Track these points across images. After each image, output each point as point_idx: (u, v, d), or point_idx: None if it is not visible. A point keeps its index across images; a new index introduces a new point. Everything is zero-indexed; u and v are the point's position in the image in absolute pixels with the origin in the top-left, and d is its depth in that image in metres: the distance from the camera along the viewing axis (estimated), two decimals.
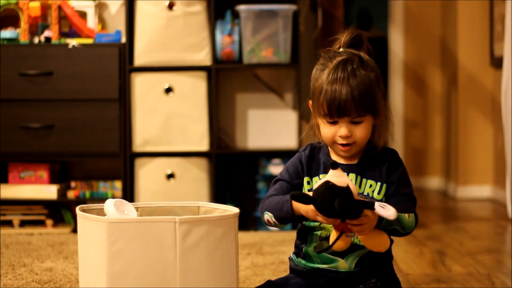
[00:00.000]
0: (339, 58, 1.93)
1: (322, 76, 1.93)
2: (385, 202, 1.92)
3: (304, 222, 1.98)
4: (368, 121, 1.92)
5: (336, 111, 1.89)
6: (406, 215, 1.91)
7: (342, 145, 1.93)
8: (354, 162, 1.98)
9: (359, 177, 1.96)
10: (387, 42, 6.29)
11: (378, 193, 1.96)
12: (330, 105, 1.89)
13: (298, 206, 1.87)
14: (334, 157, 2.00)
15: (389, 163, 1.98)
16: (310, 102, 2.00)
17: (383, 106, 1.95)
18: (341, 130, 1.91)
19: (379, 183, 1.96)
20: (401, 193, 1.96)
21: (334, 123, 1.92)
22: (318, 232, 1.97)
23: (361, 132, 1.92)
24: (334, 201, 1.75)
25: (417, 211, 1.98)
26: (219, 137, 4.04)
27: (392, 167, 1.97)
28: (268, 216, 1.95)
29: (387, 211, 1.76)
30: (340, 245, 1.86)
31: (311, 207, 1.81)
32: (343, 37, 1.98)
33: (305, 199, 1.78)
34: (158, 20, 3.84)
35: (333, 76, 1.90)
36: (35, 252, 3.23)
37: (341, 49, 1.97)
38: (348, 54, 1.94)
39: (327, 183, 1.77)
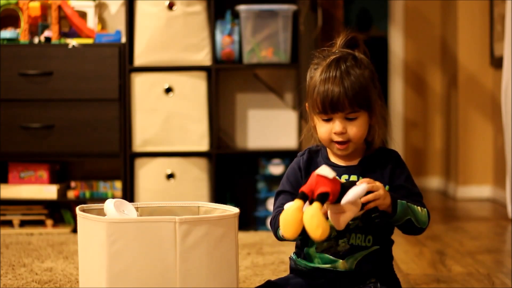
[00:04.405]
0: (332, 57, 1.95)
1: (316, 74, 1.94)
2: None
3: None
4: (363, 118, 1.93)
5: (329, 106, 1.89)
6: (419, 207, 1.92)
7: (338, 142, 1.93)
8: (354, 163, 1.98)
9: (360, 179, 1.96)
10: (387, 42, 6.29)
11: None
12: (323, 101, 1.89)
13: None
14: (333, 158, 1.99)
15: (393, 166, 1.98)
16: (306, 103, 2.00)
17: (378, 105, 1.96)
18: (335, 126, 1.91)
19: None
20: (414, 192, 1.97)
21: (329, 120, 1.92)
22: None
23: (355, 129, 1.92)
24: None
25: None
26: (219, 137, 4.04)
27: (397, 170, 1.98)
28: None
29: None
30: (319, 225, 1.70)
31: None
32: (339, 40, 1.99)
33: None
34: (158, 20, 3.84)
35: (326, 73, 1.91)
36: (35, 252, 3.23)
37: (335, 50, 1.99)
38: (342, 53, 1.96)
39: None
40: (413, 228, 1.93)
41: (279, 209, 1.97)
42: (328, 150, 2.01)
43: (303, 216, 1.71)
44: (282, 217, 1.73)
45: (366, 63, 1.95)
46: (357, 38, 2.00)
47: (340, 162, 1.98)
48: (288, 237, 1.74)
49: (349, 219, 1.80)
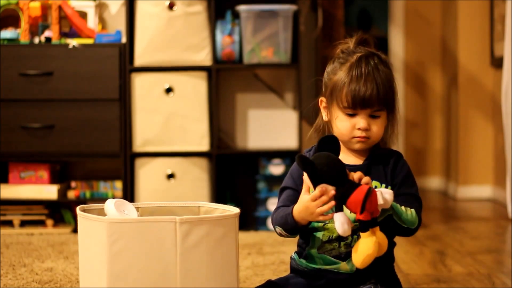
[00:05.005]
0: (359, 54, 1.96)
1: (342, 69, 1.95)
2: None
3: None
4: (384, 117, 1.95)
5: (360, 102, 1.90)
6: (403, 207, 1.91)
7: (360, 137, 1.93)
8: (360, 162, 1.98)
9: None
10: (387, 42, 6.29)
11: None
12: (354, 97, 1.90)
13: (299, 212, 1.87)
14: (341, 156, 1.99)
15: (394, 165, 1.99)
16: (322, 98, 2.00)
17: (396, 107, 1.98)
18: (360, 122, 1.92)
19: (383, 185, 1.97)
20: (404, 193, 1.97)
21: (353, 115, 1.93)
22: (321, 234, 1.96)
23: (377, 127, 1.94)
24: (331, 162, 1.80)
25: None
26: (219, 137, 4.04)
27: (397, 169, 1.98)
28: (279, 229, 1.96)
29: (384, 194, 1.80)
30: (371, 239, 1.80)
31: (304, 199, 1.84)
32: (353, 40, 2.00)
33: (305, 162, 1.78)
34: (158, 20, 3.84)
35: (357, 69, 1.92)
36: (36, 252, 3.23)
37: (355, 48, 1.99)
38: (367, 51, 1.97)
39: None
40: (398, 227, 1.92)
41: (281, 207, 1.97)
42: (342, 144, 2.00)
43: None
44: (362, 258, 1.79)
45: (389, 63, 1.98)
46: (370, 40, 2.01)
47: (346, 160, 1.98)
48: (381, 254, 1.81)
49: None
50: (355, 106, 1.91)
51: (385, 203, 1.80)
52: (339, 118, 1.95)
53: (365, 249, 1.78)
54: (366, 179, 1.81)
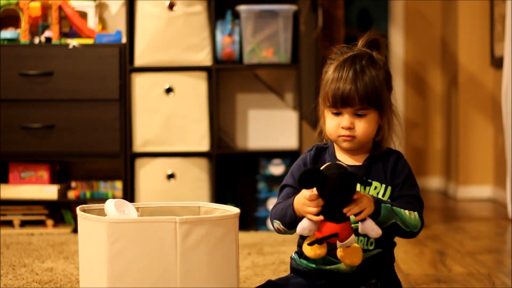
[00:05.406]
0: (350, 53, 1.97)
1: (330, 67, 1.97)
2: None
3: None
4: (372, 117, 1.94)
5: (340, 101, 1.91)
6: (407, 211, 1.92)
7: (344, 136, 1.94)
8: (360, 163, 1.99)
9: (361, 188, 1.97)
10: (387, 42, 6.29)
11: (383, 196, 1.96)
12: (334, 94, 1.92)
13: (297, 202, 1.89)
14: (339, 156, 1.99)
15: (394, 165, 1.98)
16: (320, 98, 2.02)
17: (389, 106, 1.97)
18: (343, 121, 1.93)
19: (383, 185, 1.97)
20: (406, 194, 1.97)
21: (338, 114, 1.94)
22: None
23: (363, 126, 1.93)
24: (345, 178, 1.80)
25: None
26: (219, 137, 4.04)
27: (397, 170, 1.98)
28: (276, 224, 1.97)
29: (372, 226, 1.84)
30: (315, 252, 1.86)
31: (305, 194, 1.85)
32: (361, 40, 2.01)
33: (314, 174, 1.80)
34: (158, 20, 3.84)
35: (341, 68, 1.94)
36: (36, 252, 3.23)
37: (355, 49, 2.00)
38: (359, 51, 1.98)
39: (338, 164, 1.84)
40: (402, 231, 1.93)
41: (279, 203, 1.99)
42: (335, 147, 2.02)
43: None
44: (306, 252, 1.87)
45: (382, 64, 1.97)
46: (380, 40, 2.01)
47: (346, 161, 1.98)
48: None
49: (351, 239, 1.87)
50: (335, 104, 1.93)
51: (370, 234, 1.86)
52: (327, 117, 1.97)
53: (307, 251, 1.86)
54: (349, 218, 1.84)
